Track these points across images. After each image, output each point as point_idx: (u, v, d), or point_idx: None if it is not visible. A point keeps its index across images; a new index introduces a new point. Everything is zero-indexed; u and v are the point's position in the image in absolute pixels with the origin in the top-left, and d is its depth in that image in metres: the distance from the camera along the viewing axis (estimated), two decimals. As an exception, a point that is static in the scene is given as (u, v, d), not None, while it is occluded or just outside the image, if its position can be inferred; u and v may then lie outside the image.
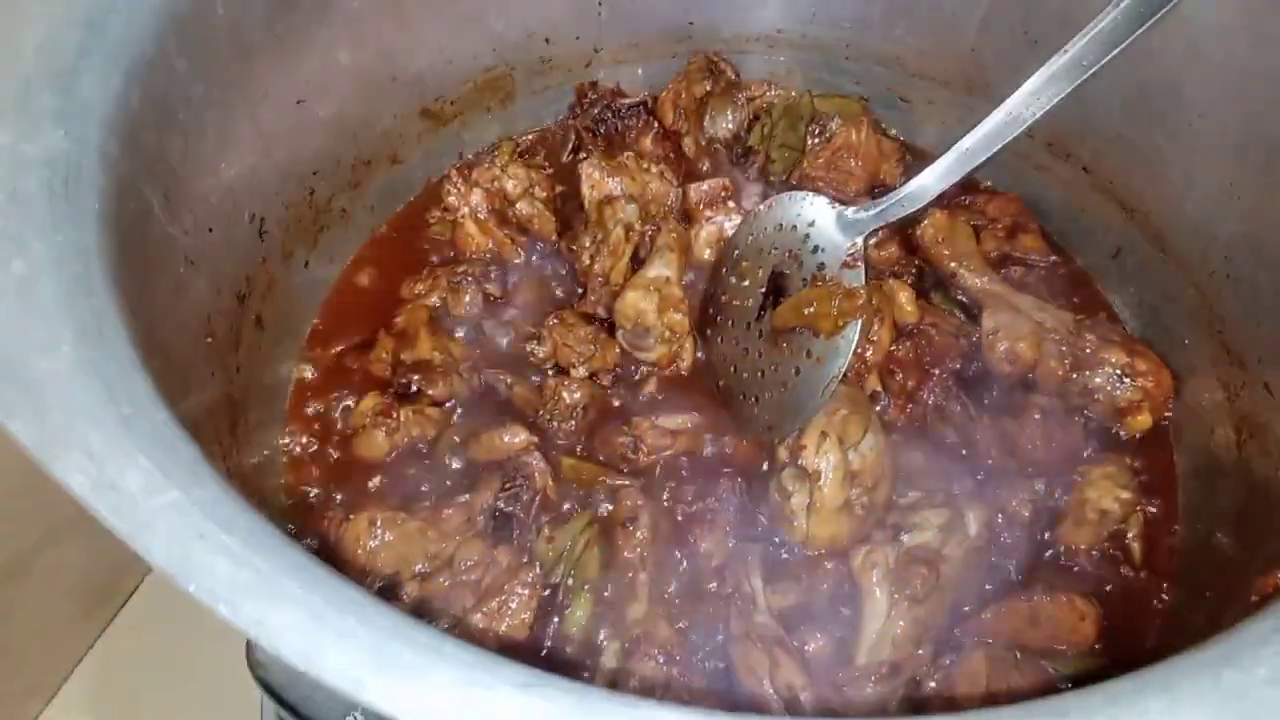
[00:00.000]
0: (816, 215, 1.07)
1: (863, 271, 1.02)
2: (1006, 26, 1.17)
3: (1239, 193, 1.00)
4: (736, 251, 1.16)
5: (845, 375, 1.06)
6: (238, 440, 0.97)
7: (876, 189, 1.27)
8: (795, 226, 1.08)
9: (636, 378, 1.15)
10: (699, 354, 1.16)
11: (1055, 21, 1.08)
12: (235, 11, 0.93)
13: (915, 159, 1.30)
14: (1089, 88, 0.97)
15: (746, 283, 1.12)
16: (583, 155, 1.29)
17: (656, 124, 1.33)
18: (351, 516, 0.99)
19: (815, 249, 1.05)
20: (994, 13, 1.17)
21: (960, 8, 1.18)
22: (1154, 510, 1.06)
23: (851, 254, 1.03)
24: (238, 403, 0.98)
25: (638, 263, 1.18)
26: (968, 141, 1.01)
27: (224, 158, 0.95)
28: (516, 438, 1.06)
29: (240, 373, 0.99)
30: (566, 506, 1.04)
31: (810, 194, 1.09)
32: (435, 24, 1.17)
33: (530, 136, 1.36)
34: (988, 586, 0.99)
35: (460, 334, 1.16)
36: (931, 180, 1.03)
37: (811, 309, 1.02)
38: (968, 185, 1.27)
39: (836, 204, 1.06)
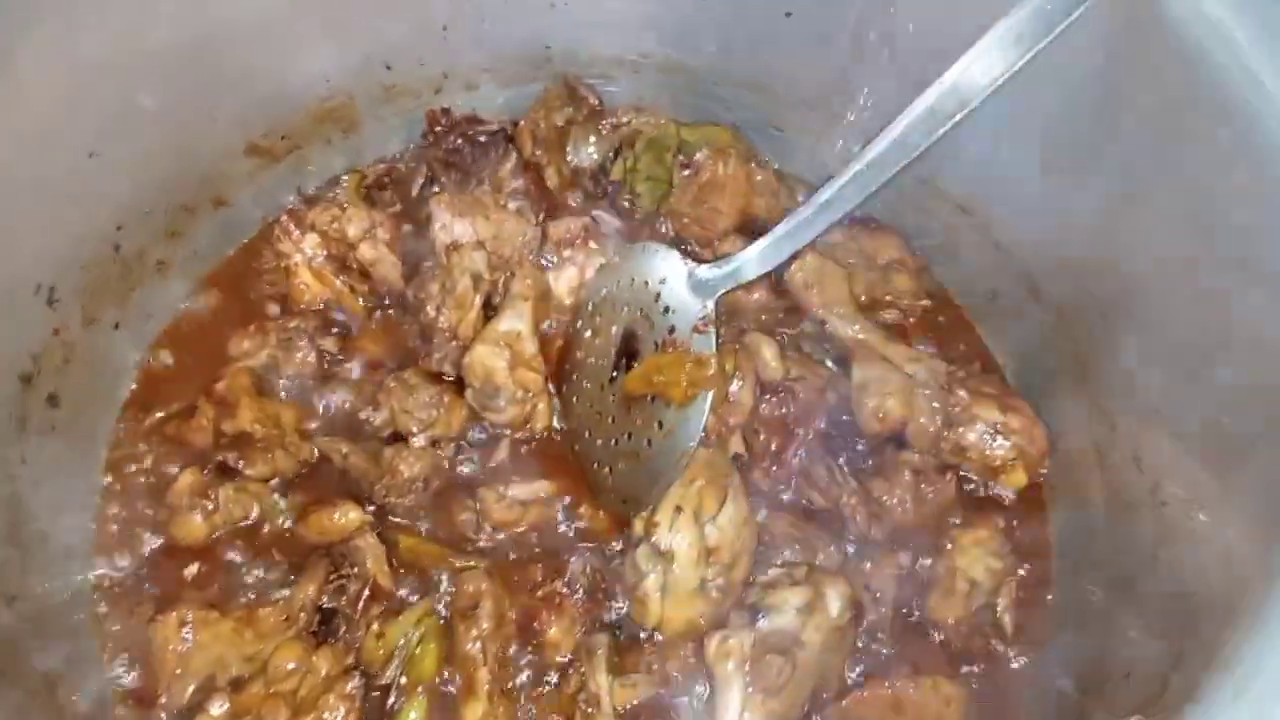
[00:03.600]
0: (668, 272, 0.99)
1: (713, 338, 0.94)
2: (874, 54, 1.09)
3: (1112, 246, 0.94)
4: (591, 304, 1.08)
5: (707, 438, 0.99)
6: (22, 543, 0.87)
7: (750, 225, 1.19)
8: (647, 282, 1.00)
9: (486, 442, 1.06)
10: (556, 414, 1.08)
11: (921, 51, 1.00)
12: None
13: (792, 189, 1.22)
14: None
15: (600, 339, 1.04)
16: (435, 189, 1.19)
17: (516, 153, 1.23)
18: (159, 617, 0.91)
19: (666, 309, 0.98)
20: (861, 41, 1.09)
21: (826, 33, 1.10)
22: (1025, 573, 1.01)
23: (702, 318, 0.95)
24: (22, 499, 0.88)
25: (492, 311, 1.10)
26: (826, 194, 0.93)
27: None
28: (348, 516, 0.98)
29: (27, 463, 0.90)
30: (403, 594, 0.96)
31: (663, 247, 1.01)
32: (254, 55, 1.05)
33: (379, 168, 1.24)
34: (851, 670, 0.94)
35: (292, 398, 1.06)
36: (764, 248, 0.96)
37: (661, 377, 0.95)
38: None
39: (689, 260, 0.98)
